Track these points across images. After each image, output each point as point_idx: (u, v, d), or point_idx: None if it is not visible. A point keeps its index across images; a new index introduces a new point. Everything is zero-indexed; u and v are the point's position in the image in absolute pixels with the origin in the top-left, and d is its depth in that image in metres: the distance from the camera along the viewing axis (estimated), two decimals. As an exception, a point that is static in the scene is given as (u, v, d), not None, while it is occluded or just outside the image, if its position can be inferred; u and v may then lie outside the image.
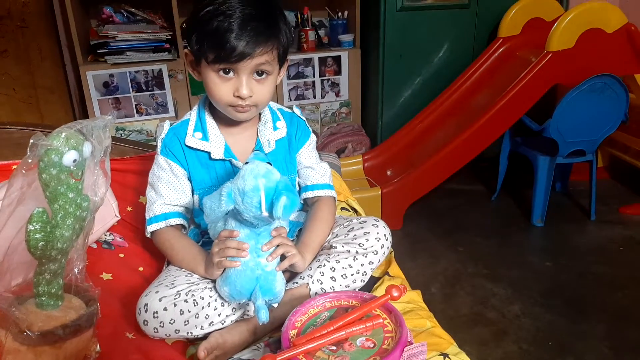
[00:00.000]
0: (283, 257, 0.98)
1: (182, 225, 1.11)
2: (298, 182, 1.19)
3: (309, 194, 1.17)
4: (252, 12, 0.94)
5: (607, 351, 1.60)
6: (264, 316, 0.89)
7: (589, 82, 2.15)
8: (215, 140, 1.08)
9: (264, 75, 1.00)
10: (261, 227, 0.93)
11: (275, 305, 0.97)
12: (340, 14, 2.92)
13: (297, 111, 1.18)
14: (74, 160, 0.74)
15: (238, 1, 0.94)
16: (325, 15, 3.03)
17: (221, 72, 0.98)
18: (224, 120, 1.08)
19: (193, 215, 1.13)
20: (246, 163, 0.90)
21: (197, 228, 1.13)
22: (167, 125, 1.10)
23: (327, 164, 1.21)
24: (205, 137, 1.08)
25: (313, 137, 1.19)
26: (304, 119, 1.19)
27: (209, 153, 1.07)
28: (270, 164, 0.90)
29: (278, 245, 0.94)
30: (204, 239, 1.11)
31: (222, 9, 0.94)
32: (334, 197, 1.19)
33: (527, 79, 2.31)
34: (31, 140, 0.71)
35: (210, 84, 1.00)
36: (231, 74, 0.98)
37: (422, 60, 2.81)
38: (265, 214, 0.85)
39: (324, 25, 3.04)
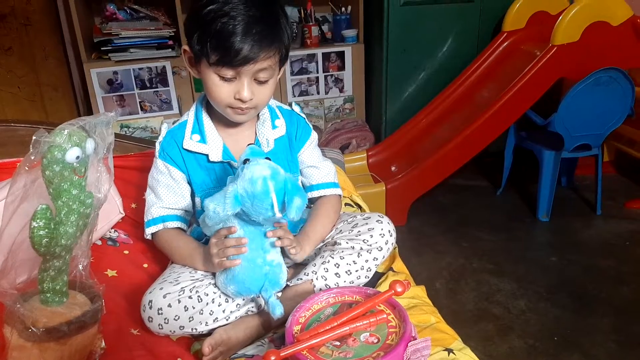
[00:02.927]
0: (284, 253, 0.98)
1: (181, 229, 1.10)
2: (302, 182, 1.17)
3: (314, 194, 1.15)
4: (257, 14, 0.92)
5: (613, 346, 1.60)
6: (279, 312, 0.92)
7: (594, 76, 2.14)
8: (213, 143, 1.06)
9: (265, 78, 0.98)
10: (267, 225, 0.93)
11: (279, 294, 0.98)
12: (343, 9, 2.91)
13: (296, 108, 1.16)
14: (77, 157, 0.74)
15: (242, 1, 0.92)
16: (329, 11, 3.02)
17: (223, 74, 0.95)
18: (222, 120, 1.07)
19: (196, 216, 1.13)
20: (245, 161, 0.89)
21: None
22: (164, 128, 1.09)
23: (330, 162, 1.19)
24: (203, 140, 1.06)
25: (314, 135, 1.17)
26: (304, 116, 1.17)
27: (207, 155, 1.06)
28: (269, 159, 0.90)
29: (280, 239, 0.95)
30: (207, 237, 1.11)
31: (225, 10, 0.91)
32: (340, 195, 1.18)
33: (532, 73, 2.30)
34: (34, 137, 0.71)
35: (211, 85, 0.98)
36: (233, 76, 0.95)
37: (426, 55, 2.79)
38: (279, 215, 0.85)
39: (328, 20, 3.03)
